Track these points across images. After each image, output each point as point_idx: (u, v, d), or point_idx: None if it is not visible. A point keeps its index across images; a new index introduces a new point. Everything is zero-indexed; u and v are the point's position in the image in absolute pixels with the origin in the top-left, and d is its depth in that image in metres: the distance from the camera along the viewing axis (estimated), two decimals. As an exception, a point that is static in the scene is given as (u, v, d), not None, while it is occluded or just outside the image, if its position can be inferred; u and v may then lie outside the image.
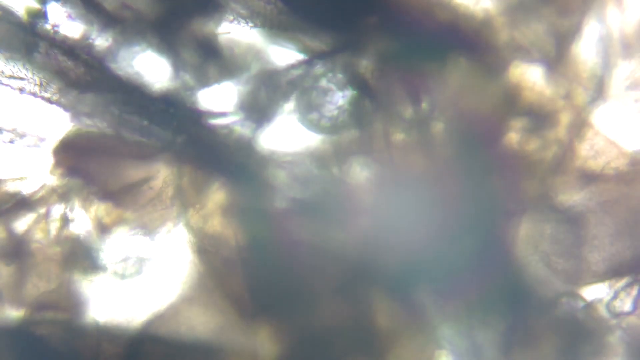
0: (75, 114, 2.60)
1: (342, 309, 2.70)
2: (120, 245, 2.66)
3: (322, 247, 2.67)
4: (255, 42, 2.64)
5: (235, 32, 2.64)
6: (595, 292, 2.73)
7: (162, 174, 2.65)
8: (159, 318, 2.67)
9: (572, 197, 2.68)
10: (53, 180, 2.65)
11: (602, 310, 2.71)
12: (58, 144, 2.62)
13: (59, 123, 2.63)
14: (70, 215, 2.66)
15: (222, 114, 2.64)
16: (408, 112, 2.64)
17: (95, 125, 2.60)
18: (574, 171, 2.68)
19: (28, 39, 2.56)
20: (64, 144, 2.63)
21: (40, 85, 2.58)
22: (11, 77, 2.58)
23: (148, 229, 2.66)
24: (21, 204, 2.65)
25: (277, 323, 2.67)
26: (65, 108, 2.60)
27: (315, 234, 2.67)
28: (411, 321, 2.71)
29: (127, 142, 2.63)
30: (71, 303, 2.66)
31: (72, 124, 2.62)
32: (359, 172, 2.66)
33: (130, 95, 2.60)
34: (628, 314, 2.71)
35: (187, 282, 2.68)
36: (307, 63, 2.62)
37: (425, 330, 2.71)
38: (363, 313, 2.71)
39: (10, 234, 2.64)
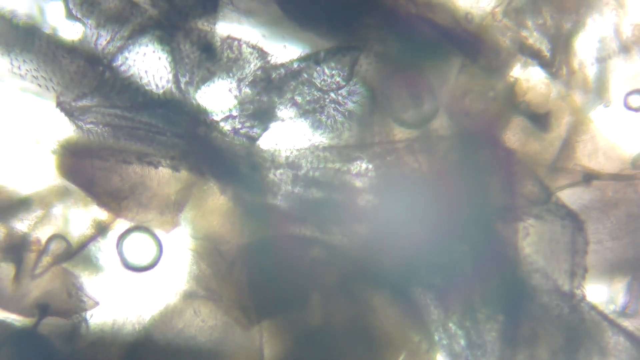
0: (75, 116, 2.59)
1: (343, 309, 2.70)
2: (119, 246, 2.66)
3: (323, 247, 2.67)
4: (257, 40, 2.64)
5: (236, 30, 2.65)
6: (596, 291, 2.73)
7: (163, 176, 2.65)
8: (160, 319, 2.67)
9: (572, 196, 2.68)
10: (54, 180, 2.65)
11: (603, 310, 2.72)
12: (58, 147, 2.62)
13: (60, 124, 2.62)
14: (71, 216, 2.66)
15: (224, 113, 2.64)
16: (409, 112, 2.65)
17: (95, 128, 2.60)
18: (573, 171, 2.68)
19: (27, 36, 2.56)
20: (63, 148, 2.62)
21: (41, 85, 2.58)
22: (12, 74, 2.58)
23: (148, 230, 2.66)
24: (22, 204, 2.64)
25: (279, 323, 2.67)
26: (66, 110, 2.60)
27: (317, 234, 2.67)
28: (412, 321, 2.71)
29: (127, 145, 2.62)
30: (72, 304, 2.65)
31: (72, 126, 2.61)
32: (361, 172, 2.66)
33: (132, 96, 2.60)
34: (629, 313, 2.72)
35: (189, 282, 2.68)
36: (309, 62, 2.63)
37: (425, 331, 2.71)
38: (364, 313, 2.71)
39: (11, 234, 2.64)
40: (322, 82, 2.62)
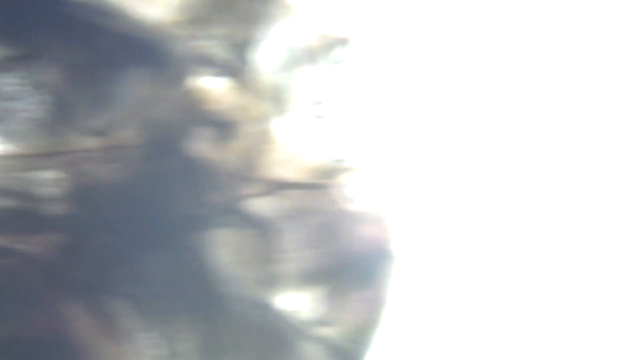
0: None
1: (39, 319, 2.68)
2: None
3: (16, 256, 2.66)
4: None
5: None
6: (291, 300, 2.75)
7: None
8: None
9: (262, 206, 2.70)
10: None
11: (297, 319, 2.73)
12: None
13: None
14: None
15: None
16: (95, 120, 2.65)
17: None
18: (262, 180, 2.70)
19: None
20: None
21: None
22: None
23: None
24: None
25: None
26: None
27: (9, 244, 2.66)
28: (111, 331, 2.70)
29: None
30: None
31: None
32: (51, 180, 2.66)
33: None
34: (321, 322, 2.74)
35: None
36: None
37: (125, 340, 2.70)
38: (60, 323, 2.69)
39: None
40: (3, 91, 2.62)
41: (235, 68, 2.67)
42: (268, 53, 2.69)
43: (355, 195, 2.72)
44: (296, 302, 2.75)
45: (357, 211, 2.72)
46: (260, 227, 2.67)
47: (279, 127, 2.71)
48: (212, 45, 2.65)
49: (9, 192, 2.63)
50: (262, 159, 2.69)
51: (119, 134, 2.63)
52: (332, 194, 2.72)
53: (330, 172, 2.74)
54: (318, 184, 2.72)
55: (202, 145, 2.66)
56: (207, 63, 2.65)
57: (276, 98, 2.69)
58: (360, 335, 2.73)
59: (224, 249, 2.68)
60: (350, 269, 2.73)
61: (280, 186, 2.70)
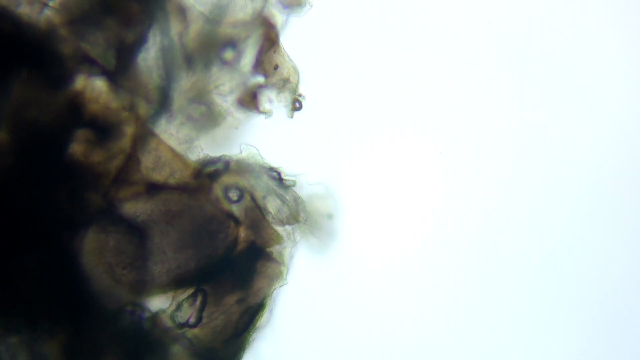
0: None
1: None
2: None
3: None
4: None
5: None
6: (160, 303, 2.76)
7: None
8: None
9: (137, 208, 2.71)
10: None
11: (167, 321, 2.75)
12: None
13: None
14: None
15: None
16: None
17: None
18: (138, 182, 2.71)
19: None
20: None
21: None
22: None
23: None
24: None
25: None
26: None
27: None
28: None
29: None
30: None
31: None
32: None
33: None
34: (192, 324, 2.76)
35: None
36: None
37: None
38: None
39: None
40: None
41: (118, 69, 2.66)
42: (150, 54, 2.70)
43: (230, 197, 2.78)
44: (166, 304, 2.77)
45: (232, 213, 2.78)
46: (133, 229, 2.69)
47: (158, 129, 2.73)
48: (96, 46, 2.64)
49: None
50: (141, 161, 2.71)
51: (-7, 133, 2.58)
52: (207, 196, 2.76)
53: (206, 175, 2.78)
54: (193, 187, 2.75)
55: (79, 147, 2.65)
56: (91, 63, 2.64)
57: (157, 100, 2.70)
58: (232, 337, 2.78)
59: (95, 251, 2.67)
60: (223, 271, 2.78)
61: (156, 188, 2.72)
